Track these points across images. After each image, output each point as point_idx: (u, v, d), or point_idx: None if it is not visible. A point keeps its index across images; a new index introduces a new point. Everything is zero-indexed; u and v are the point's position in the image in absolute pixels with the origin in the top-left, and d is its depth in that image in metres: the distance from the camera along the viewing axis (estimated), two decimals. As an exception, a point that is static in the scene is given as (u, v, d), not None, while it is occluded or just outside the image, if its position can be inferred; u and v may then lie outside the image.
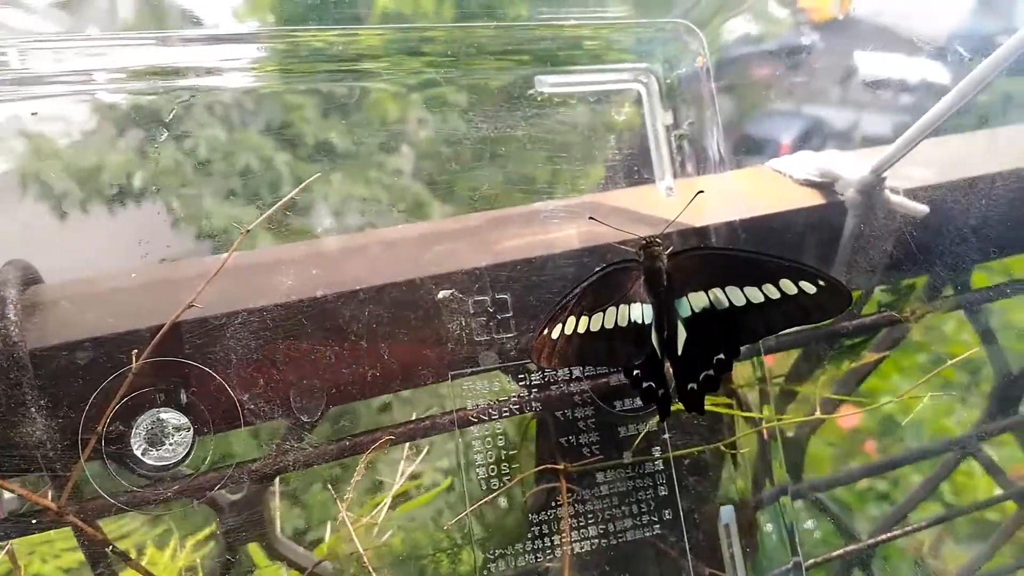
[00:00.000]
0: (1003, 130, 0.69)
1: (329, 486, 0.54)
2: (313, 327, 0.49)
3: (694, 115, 0.60)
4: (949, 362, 0.64)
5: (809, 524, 0.78)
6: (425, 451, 0.61)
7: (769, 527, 0.61)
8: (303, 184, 0.50)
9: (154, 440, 0.47)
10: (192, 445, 0.48)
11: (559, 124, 0.56)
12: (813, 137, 0.80)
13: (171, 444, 0.48)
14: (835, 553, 0.69)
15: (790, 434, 0.72)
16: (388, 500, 0.61)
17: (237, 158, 0.60)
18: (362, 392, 0.50)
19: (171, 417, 0.48)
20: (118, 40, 0.51)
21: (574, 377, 0.55)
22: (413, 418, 0.52)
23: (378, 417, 0.63)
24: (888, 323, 0.67)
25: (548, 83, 0.56)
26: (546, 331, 0.48)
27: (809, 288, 0.48)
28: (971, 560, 0.82)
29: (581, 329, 0.49)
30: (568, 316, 0.49)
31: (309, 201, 0.61)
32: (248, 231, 0.48)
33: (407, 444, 0.56)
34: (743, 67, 0.72)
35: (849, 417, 0.77)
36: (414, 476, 0.63)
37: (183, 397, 0.48)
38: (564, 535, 0.54)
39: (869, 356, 0.69)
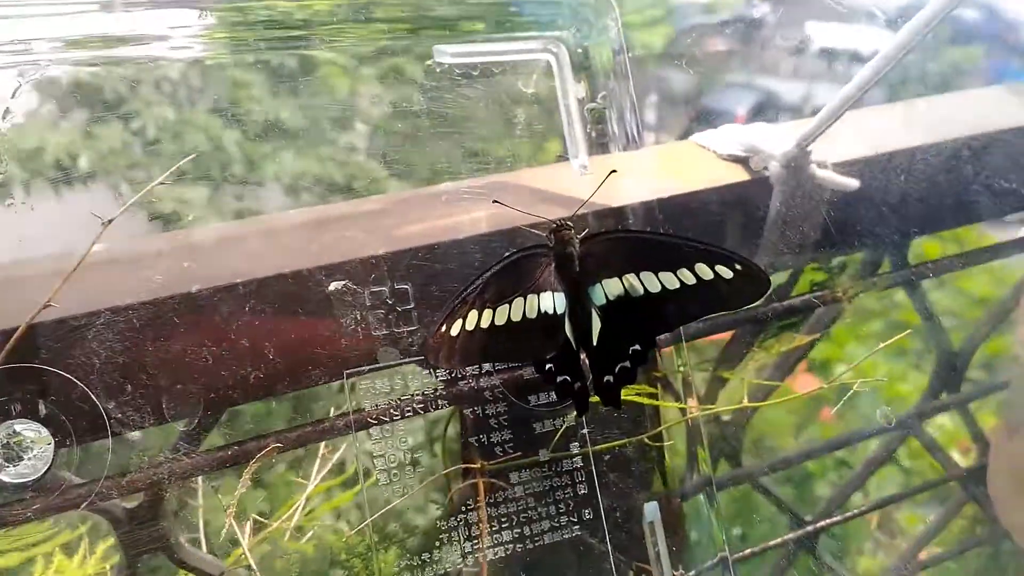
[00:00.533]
0: (921, 101, 0.67)
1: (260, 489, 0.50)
2: (187, 326, 0.45)
3: (609, 87, 0.56)
4: (880, 345, 0.62)
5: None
6: (344, 447, 0.57)
7: (695, 521, 0.58)
8: (171, 170, 0.45)
9: (11, 456, 0.43)
10: (53, 459, 0.43)
11: (462, 98, 0.52)
12: (767, 109, 0.78)
13: (30, 459, 0.43)
14: (771, 543, 0.66)
15: (727, 418, 0.69)
16: (302, 502, 0.57)
17: (185, 138, 0.55)
18: (244, 395, 0.46)
19: (29, 429, 0.43)
20: (57, 5, 0.46)
21: (484, 372, 0.51)
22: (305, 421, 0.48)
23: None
24: (820, 304, 0.65)
25: (448, 53, 0.52)
26: (444, 328, 0.44)
27: (726, 273, 0.45)
28: (920, 534, 0.80)
29: (484, 324, 0.45)
30: (469, 310, 0.45)
31: (259, 180, 0.58)
32: (111, 221, 0.43)
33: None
34: (698, 40, 0.69)
35: (807, 384, 0.75)
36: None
37: (41, 407, 0.43)
38: (481, 540, 0.51)
39: (802, 338, 0.67)
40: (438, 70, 0.51)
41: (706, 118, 0.68)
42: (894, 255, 0.70)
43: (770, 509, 0.75)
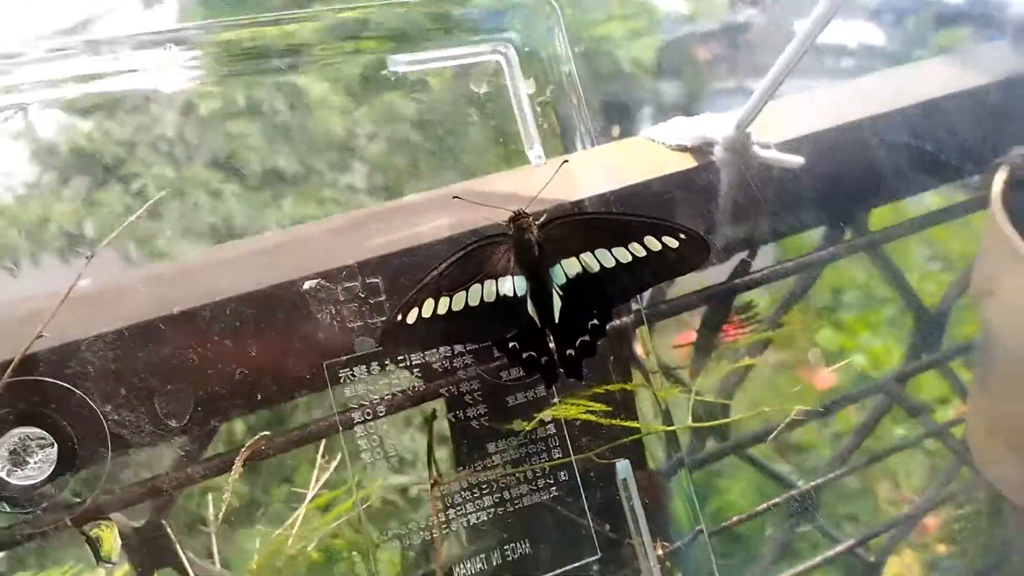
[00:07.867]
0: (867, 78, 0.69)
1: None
2: (173, 332, 0.48)
3: (556, 83, 0.60)
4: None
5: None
6: (339, 457, 0.59)
7: (677, 495, 0.61)
8: (144, 207, 0.49)
9: (17, 460, 0.46)
10: (56, 462, 0.47)
11: (419, 105, 0.56)
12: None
13: (35, 462, 0.46)
14: (738, 517, 0.67)
15: (710, 398, 0.71)
16: (302, 511, 0.60)
17: (187, 195, 0.60)
18: (232, 392, 0.49)
19: (32, 434, 0.46)
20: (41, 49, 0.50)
21: (456, 353, 0.55)
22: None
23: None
24: (783, 274, 0.68)
25: (403, 62, 0.56)
26: (399, 316, 0.48)
27: (672, 242, 0.49)
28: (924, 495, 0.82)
29: (441, 310, 0.49)
30: (426, 298, 0.48)
31: (260, 228, 0.62)
32: (93, 255, 0.48)
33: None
34: (685, 49, 0.72)
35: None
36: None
37: (43, 414, 0.47)
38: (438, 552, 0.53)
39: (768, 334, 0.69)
40: (393, 80, 0.55)
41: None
42: (851, 229, 0.72)
43: (760, 480, 0.77)
